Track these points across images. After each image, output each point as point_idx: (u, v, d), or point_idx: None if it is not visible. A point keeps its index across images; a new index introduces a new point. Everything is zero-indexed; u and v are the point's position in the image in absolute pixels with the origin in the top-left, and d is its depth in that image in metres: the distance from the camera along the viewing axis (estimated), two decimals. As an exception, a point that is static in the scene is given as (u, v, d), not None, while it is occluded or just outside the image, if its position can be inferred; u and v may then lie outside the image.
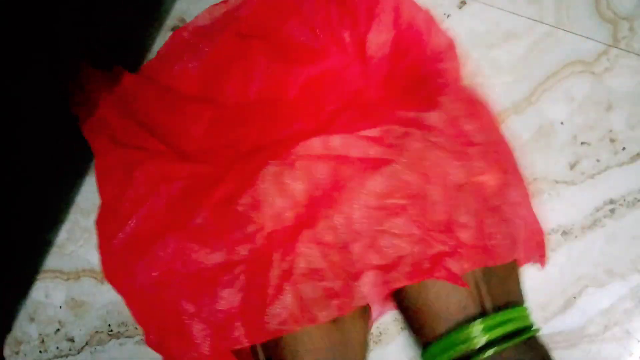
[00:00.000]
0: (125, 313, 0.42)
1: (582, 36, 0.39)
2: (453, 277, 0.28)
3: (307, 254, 0.30)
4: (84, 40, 0.42)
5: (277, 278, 0.30)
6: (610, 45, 0.39)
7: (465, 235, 0.29)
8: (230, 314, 0.31)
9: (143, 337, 0.41)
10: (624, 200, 0.38)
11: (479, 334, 0.28)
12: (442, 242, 0.29)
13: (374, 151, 0.31)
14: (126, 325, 0.41)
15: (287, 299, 0.29)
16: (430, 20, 0.38)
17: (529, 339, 0.29)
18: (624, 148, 0.38)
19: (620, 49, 0.39)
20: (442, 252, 0.29)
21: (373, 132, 0.32)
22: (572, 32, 0.39)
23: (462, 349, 0.28)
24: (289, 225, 0.32)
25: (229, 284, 0.32)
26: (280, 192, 0.32)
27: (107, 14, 0.42)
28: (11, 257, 0.43)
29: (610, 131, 0.39)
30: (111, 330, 0.42)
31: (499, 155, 0.33)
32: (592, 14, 0.39)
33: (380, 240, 0.30)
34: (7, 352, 0.43)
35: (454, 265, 0.29)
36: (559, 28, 0.39)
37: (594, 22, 0.39)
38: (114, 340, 0.42)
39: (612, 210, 0.38)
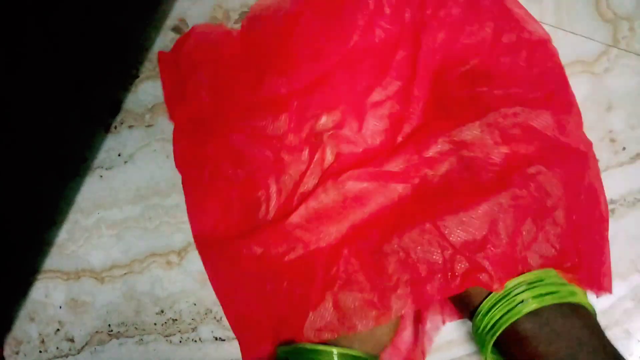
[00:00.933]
0: (126, 313, 0.42)
1: (582, 36, 0.39)
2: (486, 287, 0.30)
3: (347, 267, 0.33)
4: (84, 40, 0.42)
5: (319, 288, 0.33)
6: (610, 45, 0.39)
7: (497, 251, 0.31)
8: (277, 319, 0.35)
9: (143, 337, 0.41)
10: (624, 200, 0.38)
11: (521, 289, 0.29)
12: (473, 260, 0.31)
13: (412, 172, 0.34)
14: (126, 325, 0.42)
15: (328, 307, 0.32)
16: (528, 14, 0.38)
17: (574, 305, 0.29)
18: (624, 148, 0.38)
19: (620, 49, 0.39)
20: (474, 267, 0.30)
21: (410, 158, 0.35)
22: (572, 32, 0.39)
23: (505, 305, 0.29)
24: (333, 241, 0.34)
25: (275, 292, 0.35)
26: (329, 211, 0.35)
27: (107, 13, 0.42)
28: (11, 257, 0.43)
29: (610, 131, 0.39)
30: (111, 330, 0.42)
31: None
32: (592, 14, 0.39)
33: (415, 255, 0.31)
34: (7, 352, 0.43)
35: (485, 278, 0.30)
36: (559, 28, 0.39)
37: (594, 22, 0.39)
38: (114, 340, 0.42)
39: (612, 210, 0.38)
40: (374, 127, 0.36)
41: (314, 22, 0.37)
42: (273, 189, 0.36)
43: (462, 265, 0.30)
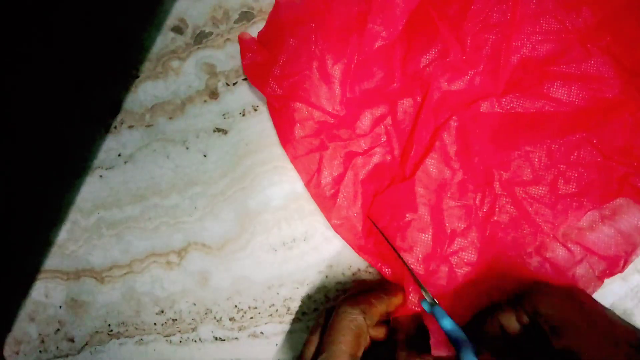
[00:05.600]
0: (126, 313, 0.42)
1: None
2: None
3: (501, 199, 0.35)
4: (84, 40, 0.42)
5: (472, 220, 0.35)
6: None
7: None
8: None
9: (143, 337, 0.41)
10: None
11: None
12: (624, 164, 0.33)
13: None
14: (126, 325, 0.42)
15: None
16: None
17: None
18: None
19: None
20: (626, 172, 0.33)
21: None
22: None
23: None
24: (480, 171, 0.35)
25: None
26: (463, 142, 0.36)
27: (107, 13, 0.42)
28: (11, 257, 0.43)
29: None
30: (111, 330, 0.42)
31: None
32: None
33: (569, 172, 0.34)
34: (7, 352, 0.43)
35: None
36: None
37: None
38: (114, 340, 0.42)
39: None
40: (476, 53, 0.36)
41: None
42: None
43: (616, 173, 0.33)
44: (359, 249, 0.37)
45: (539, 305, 0.30)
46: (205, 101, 0.41)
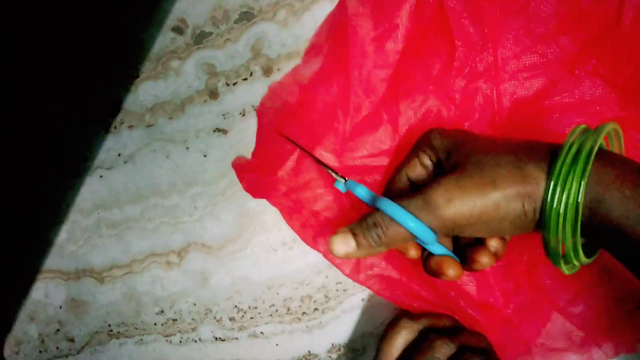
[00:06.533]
0: (126, 313, 0.42)
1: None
2: None
3: None
4: (84, 40, 0.42)
5: None
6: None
7: None
8: None
9: (143, 337, 0.41)
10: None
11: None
12: None
13: None
14: (126, 325, 0.42)
15: None
16: None
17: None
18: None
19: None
20: None
21: None
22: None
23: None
24: None
25: None
26: None
27: (107, 13, 0.42)
28: (11, 257, 0.43)
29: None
30: (111, 330, 0.42)
31: None
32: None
33: None
34: (7, 352, 0.43)
35: None
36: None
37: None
38: (114, 340, 0.42)
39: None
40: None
41: None
42: None
43: None
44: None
45: (433, 141, 0.30)
46: (205, 101, 0.41)
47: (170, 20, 0.42)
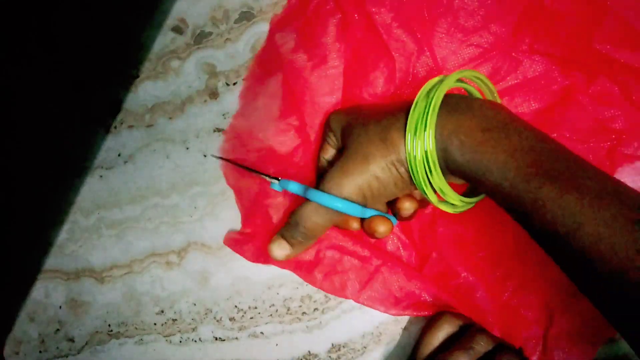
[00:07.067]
0: (125, 313, 0.42)
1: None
2: None
3: None
4: (84, 40, 0.42)
5: None
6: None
7: None
8: None
9: (143, 337, 0.41)
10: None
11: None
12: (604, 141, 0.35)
13: None
14: (126, 325, 0.42)
15: None
16: None
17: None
18: (623, 148, 0.38)
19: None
20: (610, 146, 0.34)
21: None
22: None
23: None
24: None
25: None
26: None
27: (107, 13, 0.42)
28: (11, 257, 0.43)
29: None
30: (111, 330, 0.42)
31: None
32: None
33: None
34: (7, 352, 0.43)
35: None
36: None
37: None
38: (114, 340, 0.42)
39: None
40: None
41: None
42: None
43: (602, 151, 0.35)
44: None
45: (331, 124, 0.33)
46: (205, 101, 0.41)
47: (170, 20, 0.42)
